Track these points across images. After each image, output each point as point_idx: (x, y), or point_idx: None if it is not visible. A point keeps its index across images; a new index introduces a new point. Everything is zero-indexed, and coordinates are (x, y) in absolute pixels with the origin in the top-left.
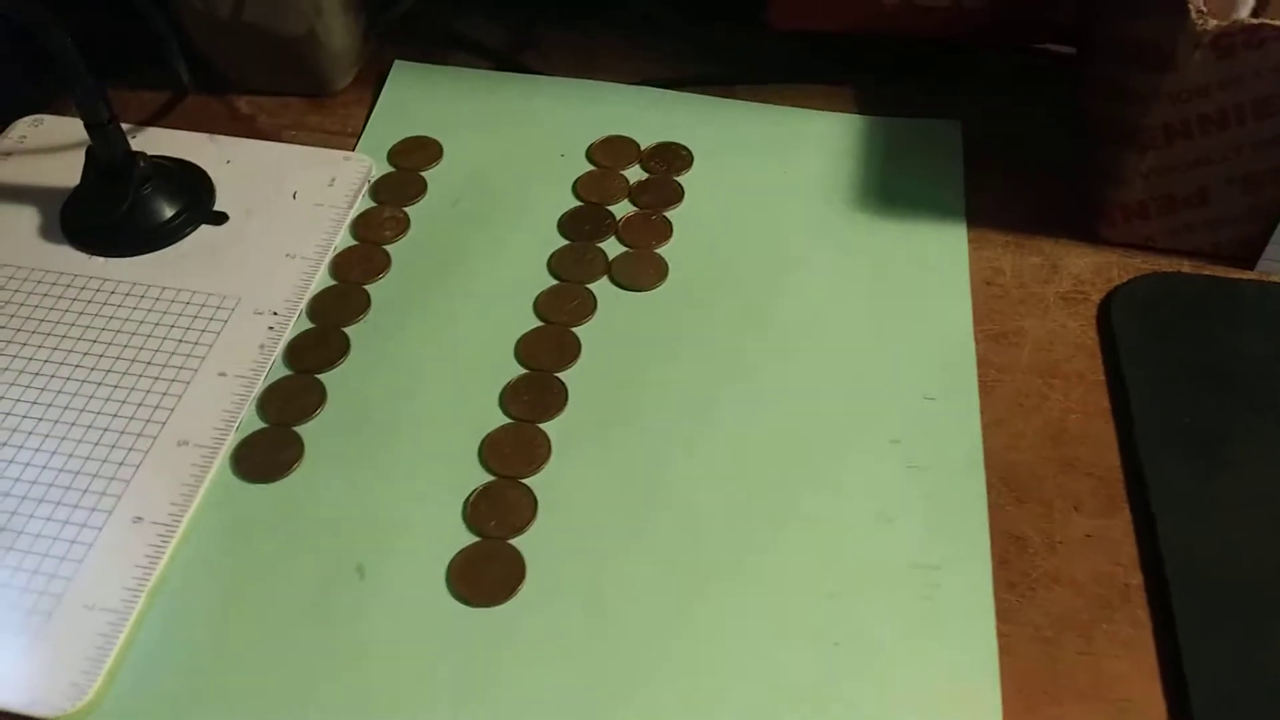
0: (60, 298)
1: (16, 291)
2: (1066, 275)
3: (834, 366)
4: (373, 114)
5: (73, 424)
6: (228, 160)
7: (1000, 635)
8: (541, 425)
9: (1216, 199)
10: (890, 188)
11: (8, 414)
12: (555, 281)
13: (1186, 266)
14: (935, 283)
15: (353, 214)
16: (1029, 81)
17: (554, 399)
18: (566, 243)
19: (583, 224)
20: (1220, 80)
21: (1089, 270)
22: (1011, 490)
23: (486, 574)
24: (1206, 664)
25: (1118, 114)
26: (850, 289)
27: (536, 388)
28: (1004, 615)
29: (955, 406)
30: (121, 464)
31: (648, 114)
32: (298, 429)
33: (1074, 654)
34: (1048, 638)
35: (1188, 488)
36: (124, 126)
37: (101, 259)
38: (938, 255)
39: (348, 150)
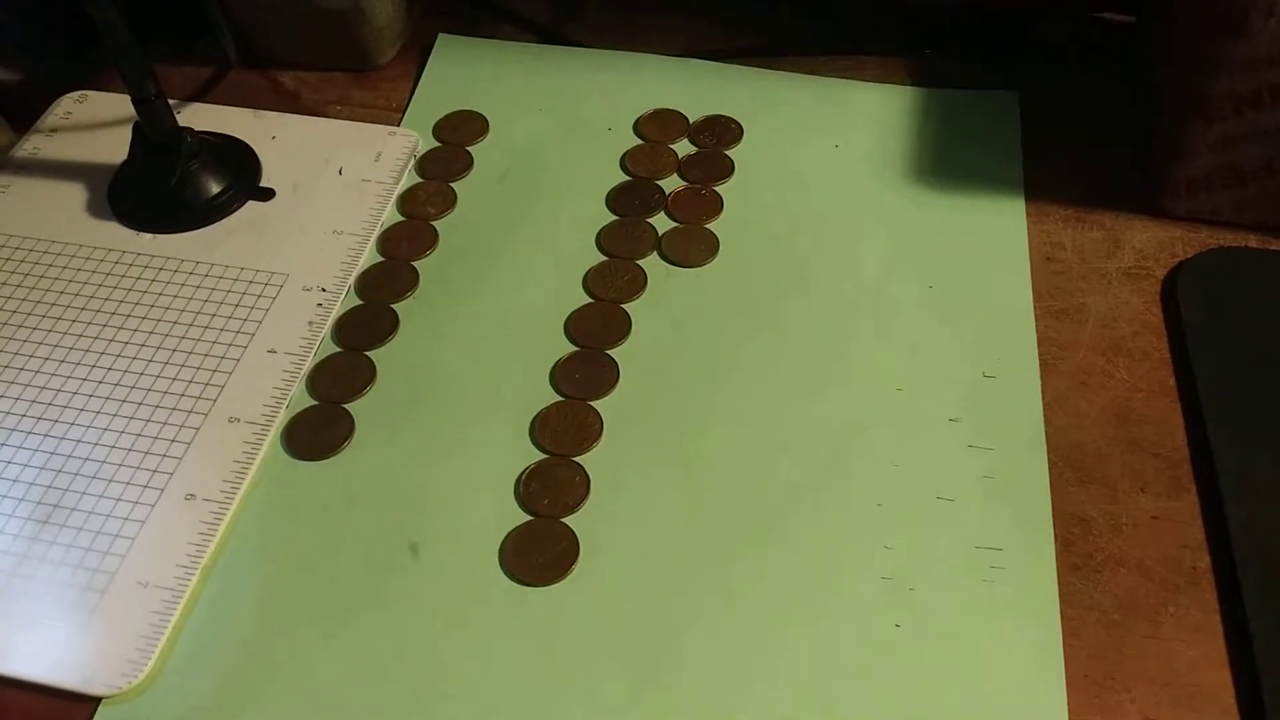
0: (108, 274)
1: (65, 269)
2: (1129, 250)
3: (889, 343)
4: (417, 88)
5: (123, 401)
6: (273, 136)
7: (1064, 619)
8: (593, 403)
9: None
10: (946, 161)
11: (58, 391)
12: (604, 257)
13: (1253, 241)
14: (993, 258)
15: (399, 189)
16: (1087, 51)
17: (605, 376)
18: (615, 218)
19: (632, 199)
20: None
21: (1152, 245)
22: (1075, 470)
23: (540, 553)
24: (1277, 649)
25: (1183, 83)
26: (905, 263)
27: (588, 365)
28: (1068, 598)
29: (1016, 385)
30: (173, 441)
31: (695, 87)
32: (348, 406)
33: (1141, 638)
34: (1114, 621)
35: (1257, 469)
36: (169, 102)
37: (149, 235)
38: (995, 230)
39: (393, 125)
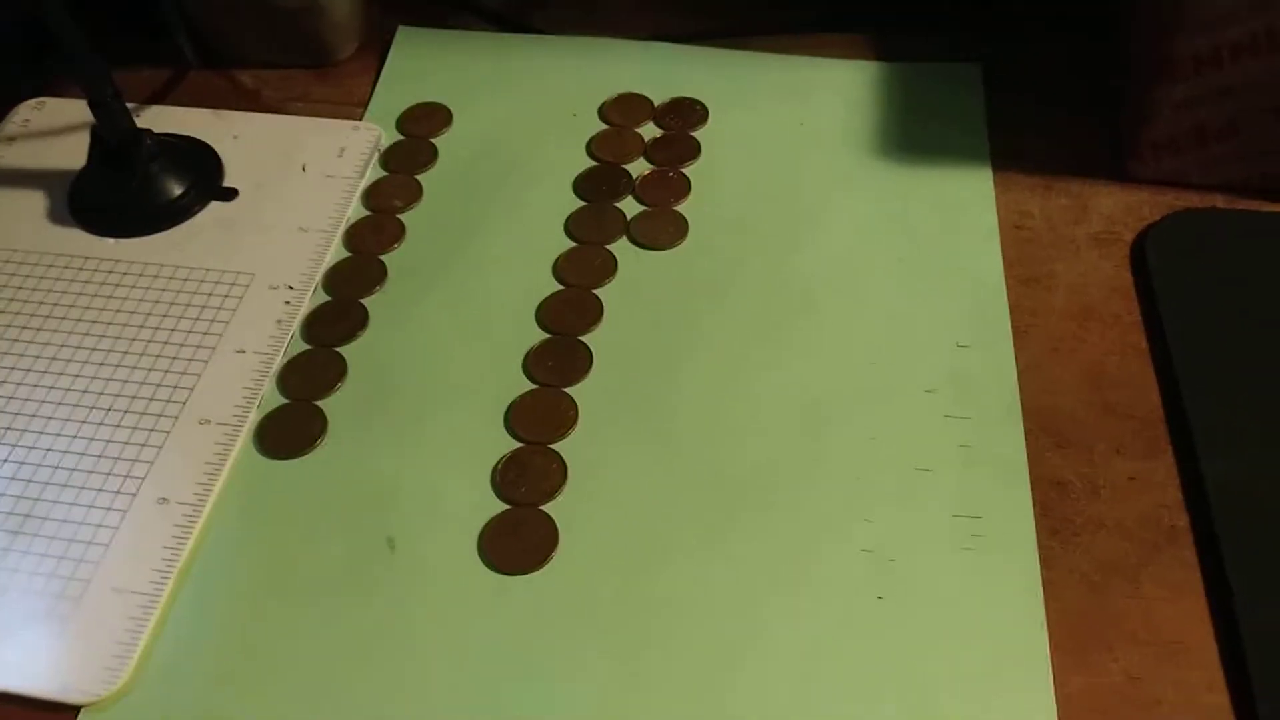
0: (73, 281)
1: (28, 277)
2: (1097, 215)
3: (862, 318)
4: (379, 82)
5: (92, 407)
6: (234, 135)
7: (1046, 582)
8: (567, 390)
9: (1248, 130)
10: (912, 134)
11: (26, 400)
12: (574, 244)
13: (1219, 201)
14: (963, 228)
15: (364, 184)
16: (1047, 19)
17: (579, 363)
18: (583, 204)
19: (599, 184)
20: (1250, 4)
21: (1119, 209)
22: (1051, 436)
23: (518, 542)
24: (1257, 603)
25: (1144, 45)
26: (875, 238)
27: (560, 352)
28: (1048, 562)
29: (990, 353)
30: (144, 445)
31: (659, 70)
32: (320, 403)
33: (1122, 598)
34: (1095, 583)
35: (1231, 426)
36: (127, 105)
37: (112, 240)
38: (964, 200)
39: (355, 120)
